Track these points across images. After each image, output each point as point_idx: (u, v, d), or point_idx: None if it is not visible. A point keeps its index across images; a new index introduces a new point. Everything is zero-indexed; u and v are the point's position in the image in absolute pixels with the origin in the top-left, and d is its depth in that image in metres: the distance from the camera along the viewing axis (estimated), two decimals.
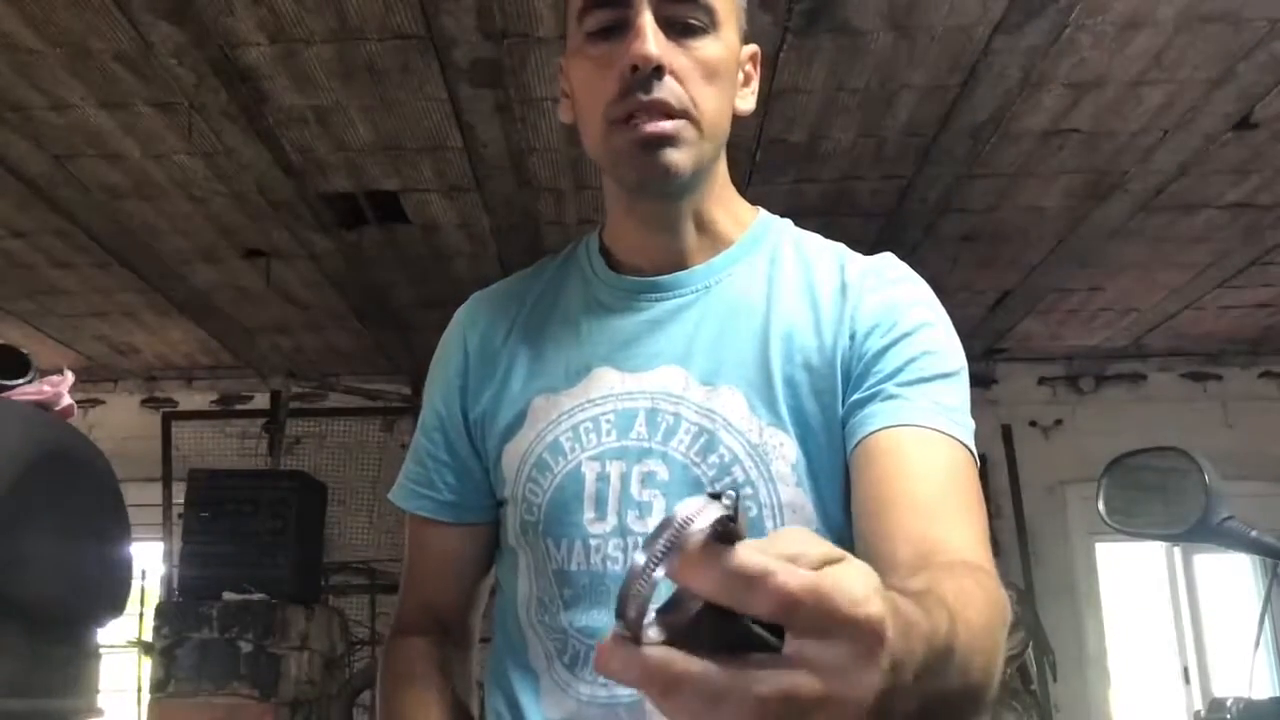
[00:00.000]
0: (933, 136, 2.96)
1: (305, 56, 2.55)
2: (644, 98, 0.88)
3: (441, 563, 1.05)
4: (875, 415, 0.88)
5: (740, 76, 0.98)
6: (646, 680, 0.43)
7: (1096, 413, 4.89)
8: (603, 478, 0.93)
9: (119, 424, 4.80)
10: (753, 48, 1.00)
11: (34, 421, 1.36)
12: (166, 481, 4.60)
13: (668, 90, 0.89)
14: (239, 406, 5.00)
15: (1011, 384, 4.96)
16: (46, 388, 1.38)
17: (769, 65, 2.60)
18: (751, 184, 3.22)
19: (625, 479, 0.92)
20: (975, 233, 3.61)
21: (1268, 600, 1.92)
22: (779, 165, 3.13)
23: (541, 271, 1.08)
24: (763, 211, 1.06)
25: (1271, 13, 2.41)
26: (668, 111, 0.89)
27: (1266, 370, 4.96)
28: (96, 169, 3.08)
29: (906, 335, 0.91)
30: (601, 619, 0.92)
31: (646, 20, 0.88)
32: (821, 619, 0.43)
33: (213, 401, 5.04)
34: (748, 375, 0.93)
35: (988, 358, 4.90)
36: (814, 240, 1.04)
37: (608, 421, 0.94)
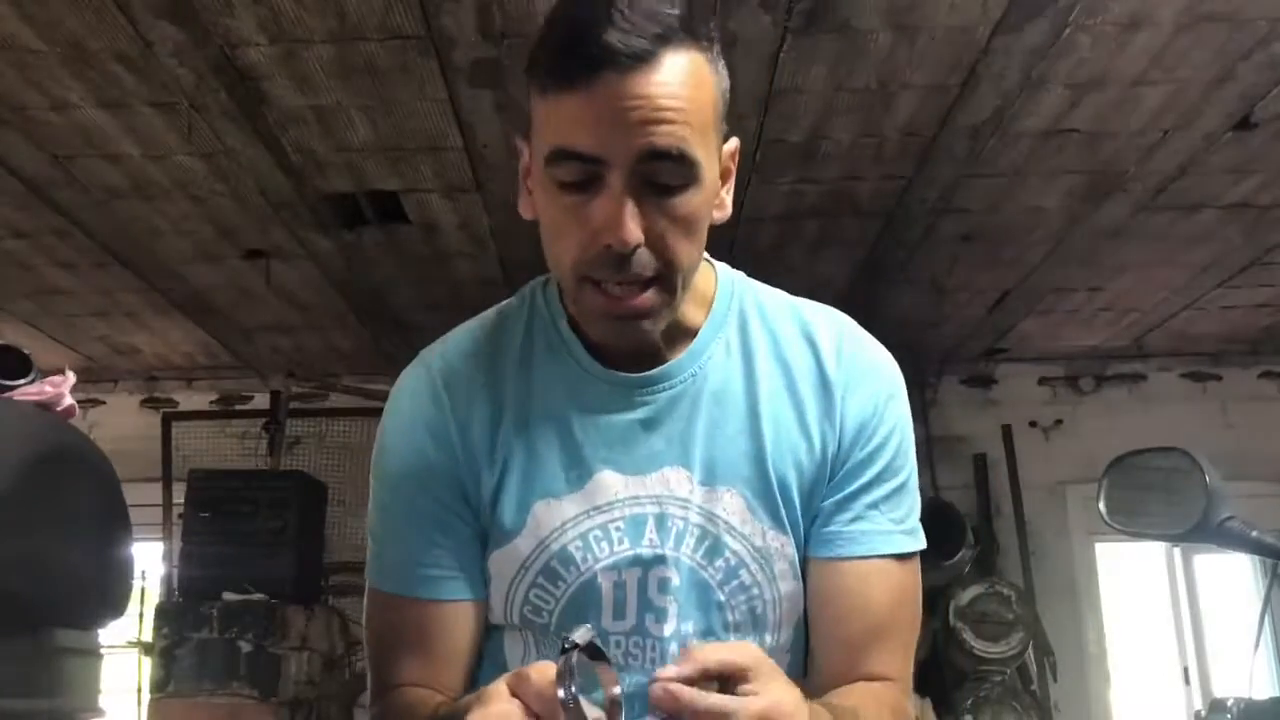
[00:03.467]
0: (932, 136, 2.96)
1: (305, 56, 2.55)
2: (617, 275, 0.86)
3: (460, 644, 0.99)
4: (842, 539, 0.97)
5: (716, 191, 0.93)
6: None
7: (1096, 413, 4.89)
8: (619, 585, 0.95)
9: (119, 424, 4.79)
10: (732, 146, 0.94)
11: (35, 422, 1.35)
12: (166, 481, 4.59)
13: (642, 265, 0.86)
14: (239, 406, 5.00)
15: (1011, 384, 4.95)
16: (48, 388, 1.38)
17: (769, 65, 2.60)
18: (751, 184, 3.22)
19: (642, 585, 0.95)
20: (975, 233, 3.61)
21: (1268, 600, 1.91)
22: (779, 165, 3.13)
23: (502, 338, 1.01)
24: (719, 272, 1.03)
25: (1271, 13, 2.41)
26: (641, 280, 0.87)
27: (1266, 370, 4.96)
28: (96, 169, 3.08)
29: (883, 445, 0.98)
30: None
31: (625, 203, 0.83)
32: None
33: (213, 401, 5.04)
34: (745, 476, 0.96)
35: (988, 358, 4.90)
36: (774, 305, 1.03)
37: (618, 529, 0.95)
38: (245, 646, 3.81)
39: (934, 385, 4.77)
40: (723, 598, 0.95)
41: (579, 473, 0.95)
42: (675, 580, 0.94)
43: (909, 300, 4.13)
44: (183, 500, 4.24)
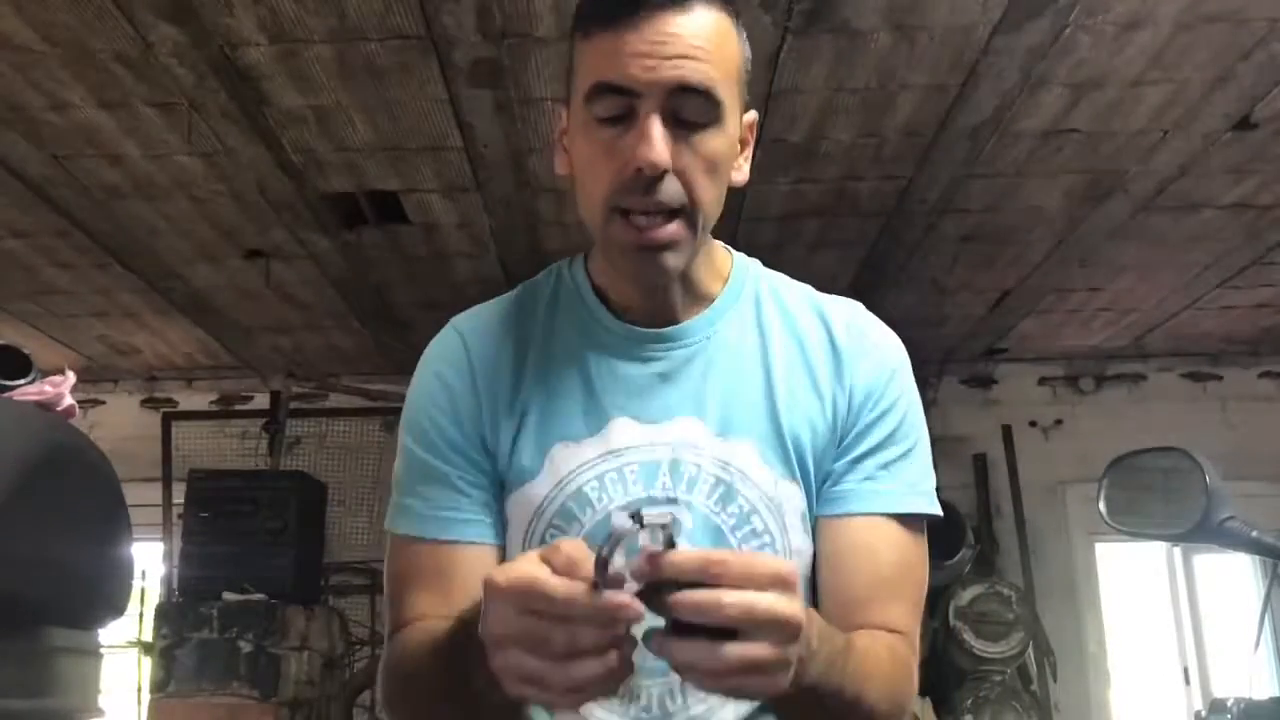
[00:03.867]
0: (933, 136, 2.96)
1: (305, 56, 2.55)
2: (645, 199, 0.91)
3: (476, 585, 0.98)
4: (855, 496, 1.00)
5: (737, 147, 1.00)
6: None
7: (1096, 413, 4.88)
8: None
9: (119, 424, 4.79)
10: (751, 115, 1.02)
11: (35, 422, 1.36)
12: (166, 481, 4.59)
13: (669, 193, 0.91)
14: (239, 406, 5.00)
15: (1011, 384, 4.95)
16: (48, 388, 1.39)
17: (769, 65, 2.60)
18: (751, 184, 3.21)
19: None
20: (975, 233, 3.61)
21: (1268, 600, 1.92)
22: (779, 165, 3.13)
23: (529, 304, 1.07)
24: (735, 256, 1.11)
25: (1271, 13, 2.41)
26: (667, 210, 0.92)
27: (1266, 370, 4.96)
28: (96, 169, 3.08)
29: (890, 409, 1.02)
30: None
31: (655, 125, 0.89)
32: (751, 573, 0.66)
33: (213, 401, 5.04)
34: (759, 428, 0.99)
35: (988, 358, 4.90)
36: (788, 287, 1.10)
37: (632, 472, 0.98)
38: (245, 646, 3.81)
39: (934, 385, 4.76)
40: (735, 543, 0.97)
41: (597, 419, 1.00)
42: (687, 524, 0.96)
43: (909, 300, 4.13)
44: (183, 500, 4.24)
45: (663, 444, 0.98)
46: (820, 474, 1.01)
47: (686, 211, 0.93)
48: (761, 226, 3.51)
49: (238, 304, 4.17)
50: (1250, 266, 3.90)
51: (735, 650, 0.66)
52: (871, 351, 1.03)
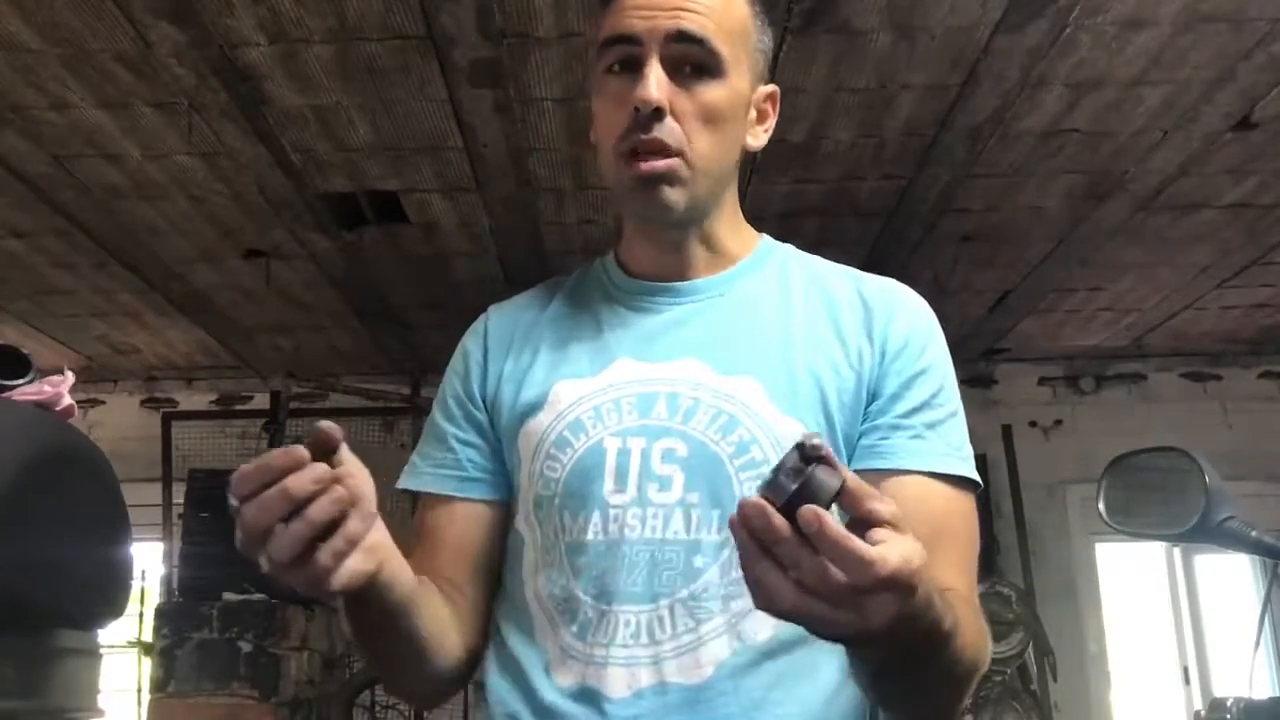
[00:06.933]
0: (933, 136, 2.96)
1: (305, 56, 2.55)
2: (644, 136, 0.96)
3: (463, 540, 1.04)
4: (903, 451, 0.97)
5: (753, 115, 1.04)
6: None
7: (1096, 413, 4.89)
8: (624, 452, 0.97)
9: (119, 424, 4.80)
10: (771, 88, 1.07)
11: (34, 422, 1.36)
12: (166, 481, 4.59)
13: (666, 131, 0.96)
14: (239, 406, 5.00)
15: (1011, 384, 4.95)
16: (47, 388, 1.38)
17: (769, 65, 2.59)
18: (751, 184, 3.21)
19: (646, 454, 0.96)
20: (975, 233, 3.61)
21: (1268, 600, 1.91)
22: (779, 165, 3.13)
23: (558, 285, 1.13)
24: (767, 236, 1.13)
25: (1271, 13, 2.41)
26: (664, 150, 0.96)
27: (1266, 370, 4.96)
28: (96, 169, 3.08)
29: (929, 369, 1.01)
30: (616, 584, 0.93)
31: (653, 66, 0.96)
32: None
33: (213, 401, 5.04)
34: (766, 368, 0.99)
35: (988, 358, 4.90)
36: (820, 260, 1.11)
37: (628, 403, 0.99)
38: (245, 646, 3.81)
39: None
40: (732, 471, 0.96)
41: (601, 360, 1.02)
42: (682, 451, 0.96)
43: None
44: (183, 500, 4.24)
45: (662, 380, 0.99)
46: (847, 423, 0.98)
47: (685, 154, 0.97)
48: (762, 226, 3.45)
49: (238, 304, 4.16)
50: (1250, 266, 3.89)
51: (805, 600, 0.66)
52: (905, 313, 1.03)
